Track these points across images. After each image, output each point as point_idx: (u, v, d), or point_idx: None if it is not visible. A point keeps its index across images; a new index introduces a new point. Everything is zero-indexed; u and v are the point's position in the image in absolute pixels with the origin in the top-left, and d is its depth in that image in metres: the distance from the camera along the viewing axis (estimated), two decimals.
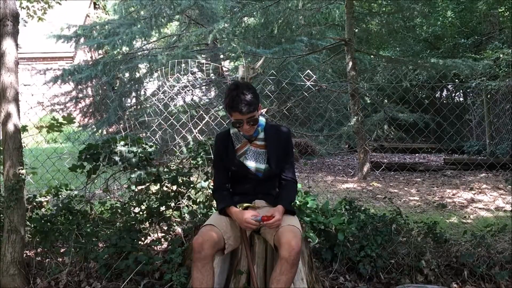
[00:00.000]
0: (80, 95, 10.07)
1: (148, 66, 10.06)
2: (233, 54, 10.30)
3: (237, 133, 2.64)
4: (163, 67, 6.55)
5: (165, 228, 3.57)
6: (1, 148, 3.31)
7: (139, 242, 3.36)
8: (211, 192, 2.94)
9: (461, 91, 13.48)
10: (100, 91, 10.25)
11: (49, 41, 10.70)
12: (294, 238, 2.38)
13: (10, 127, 3.21)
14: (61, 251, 3.58)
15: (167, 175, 3.53)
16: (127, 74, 10.53)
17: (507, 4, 11.20)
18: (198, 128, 4.39)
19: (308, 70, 4.79)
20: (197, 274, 2.42)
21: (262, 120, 2.64)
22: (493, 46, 9.59)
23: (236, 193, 2.73)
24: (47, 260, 3.45)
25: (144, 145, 3.61)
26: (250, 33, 10.57)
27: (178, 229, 3.46)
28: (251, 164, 2.61)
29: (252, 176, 2.64)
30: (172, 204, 3.53)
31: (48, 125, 3.67)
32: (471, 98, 12.36)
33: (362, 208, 3.62)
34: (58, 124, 3.64)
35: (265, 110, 5.08)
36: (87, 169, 3.56)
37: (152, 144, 3.71)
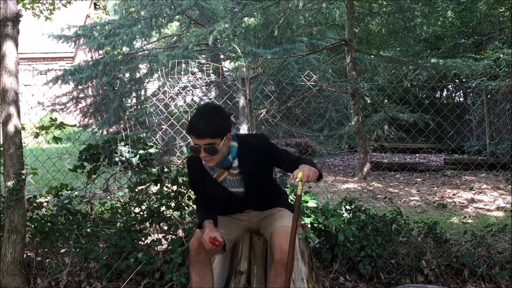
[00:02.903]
0: (81, 95, 10.06)
1: (149, 66, 10.06)
2: (233, 55, 10.29)
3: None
4: (164, 67, 6.55)
5: (165, 228, 3.58)
6: (2, 149, 3.32)
7: (140, 242, 3.37)
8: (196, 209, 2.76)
9: (461, 91, 13.47)
10: (100, 91, 10.25)
11: (49, 41, 10.71)
12: (286, 241, 2.28)
13: (11, 127, 3.21)
14: (62, 251, 3.58)
15: (167, 175, 3.53)
16: (127, 74, 10.53)
17: (507, 4, 11.20)
18: None
19: (309, 70, 4.80)
20: (196, 278, 2.38)
21: (233, 146, 2.38)
22: (493, 46, 9.59)
23: (221, 212, 2.58)
24: (47, 260, 3.45)
25: (144, 145, 3.61)
26: (250, 33, 10.57)
27: (179, 230, 3.47)
28: (233, 189, 2.47)
29: (238, 199, 2.50)
30: (173, 205, 3.53)
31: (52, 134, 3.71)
32: (471, 98, 12.35)
33: (363, 208, 3.62)
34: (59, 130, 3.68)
35: (265, 110, 5.09)
36: (87, 169, 3.57)
37: (152, 144, 3.72)
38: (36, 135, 3.79)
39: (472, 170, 8.31)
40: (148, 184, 3.59)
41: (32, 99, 4.45)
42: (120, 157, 3.49)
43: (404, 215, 3.64)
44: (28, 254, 3.51)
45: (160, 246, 3.49)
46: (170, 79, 4.83)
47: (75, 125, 3.87)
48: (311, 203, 3.26)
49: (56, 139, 3.77)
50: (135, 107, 10.57)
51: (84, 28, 10.57)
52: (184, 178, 3.54)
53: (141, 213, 3.50)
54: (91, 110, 10.38)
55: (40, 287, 3.25)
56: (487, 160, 8.50)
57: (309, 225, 3.19)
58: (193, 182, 2.55)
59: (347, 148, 11.59)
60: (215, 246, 2.25)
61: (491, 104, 9.89)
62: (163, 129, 5.63)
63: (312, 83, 4.83)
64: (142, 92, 10.44)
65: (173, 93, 5.41)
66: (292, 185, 3.39)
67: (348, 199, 3.71)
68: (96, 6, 21.05)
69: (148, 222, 3.52)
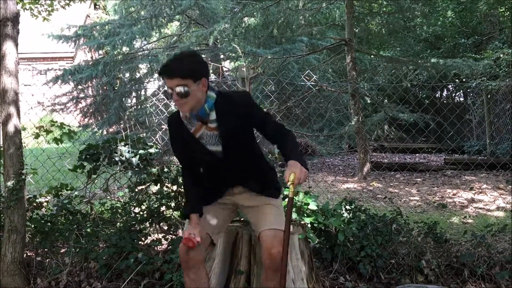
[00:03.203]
0: (81, 95, 10.06)
1: (149, 66, 10.06)
2: (233, 55, 10.29)
3: (187, 116, 2.27)
4: None
5: (165, 228, 3.58)
6: (2, 149, 3.32)
7: (140, 242, 3.37)
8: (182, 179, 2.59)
9: (461, 91, 13.48)
10: (100, 91, 10.25)
11: (49, 41, 10.71)
12: (274, 247, 2.19)
13: (10, 127, 3.21)
14: (62, 251, 3.58)
15: (167, 175, 3.53)
16: (127, 74, 10.53)
17: (507, 4, 11.19)
18: None
19: (309, 70, 4.80)
20: (190, 283, 2.30)
21: (211, 97, 2.23)
22: (493, 46, 9.59)
23: (208, 186, 2.43)
24: (47, 260, 3.45)
25: (144, 145, 3.61)
26: (250, 33, 10.57)
27: (179, 230, 3.47)
28: (211, 147, 2.29)
29: (216, 161, 2.32)
30: (173, 205, 3.53)
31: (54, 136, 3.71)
32: (472, 98, 12.35)
33: (363, 208, 3.62)
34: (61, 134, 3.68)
35: (265, 110, 5.09)
36: (87, 169, 3.57)
37: (152, 144, 3.72)
38: (37, 136, 3.80)
39: (472, 170, 8.31)
40: (148, 184, 3.59)
41: (32, 99, 4.45)
42: (120, 157, 3.49)
43: (404, 215, 3.64)
44: (28, 254, 3.51)
45: (160, 246, 3.49)
46: None
47: (75, 132, 3.86)
48: (312, 206, 3.26)
49: (57, 140, 3.77)
50: (135, 107, 10.57)
51: (84, 28, 10.58)
52: None
53: (141, 213, 3.50)
54: (91, 110, 10.38)
55: (40, 287, 3.25)
56: (487, 160, 8.50)
57: (309, 225, 3.19)
58: (173, 141, 2.37)
59: (347, 148, 11.59)
60: (189, 246, 2.20)
61: (491, 104, 9.89)
62: (163, 129, 5.63)
63: (312, 83, 4.83)
64: (142, 92, 10.44)
65: None
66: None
67: (348, 199, 3.71)
68: (96, 6, 21.04)
69: (148, 222, 3.52)
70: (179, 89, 2.09)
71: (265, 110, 2.47)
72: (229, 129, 2.24)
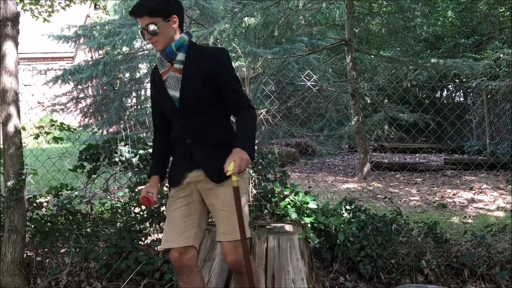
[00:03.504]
0: (81, 95, 10.07)
1: (149, 66, 10.07)
2: (233, 54, 10.30)
3: (160, 57, 2.22)
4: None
5: None
6: (2, 149, 3.32)
7: (140, 242, 3.37)
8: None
9: (461, 91, 13.48)
10: (100, 91, 10.25)
11: (49, 41, 10.71)
12: (228, 255, 2.12)
13: (11, 127, 3.21)
14: (62, 251, 3.58)
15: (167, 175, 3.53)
16: (127, 74, 10.54)
17: (507, 4, 11.20)
18: None
19: (309, 70, 4.80)
20: (184, 286, 2.21)
21: (183, 38, 2.17)
22: (493, 46, 9.60)
23: (173, 141, 2.30)
24: (47, 260, 3.45)
25: (144, 145, 3.61)
26: (250, 33, 10.57)
27: None
28: (170, 92, 2.18)
29: (174, 110, 2.19)
30: None
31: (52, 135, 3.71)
32: (472, 98, 12.36)
33: (363, 208, 3.62)
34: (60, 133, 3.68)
35: (265, 110, 5.08)
36: (87, 169, 3.57)
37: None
38: (37, 136, 3.80)
39: (472, 170, 8.31)
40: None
41: (32, 99, 4.45)
42: (120, 157, 3.49)
43: (404, 215, 3.64)
44: (28, 254, 3.51)
45: (160, 246, 3.49)
46: None
47: (74, 129, 3.85)
48: (312, 205, 3.26)
49: (57, 139, 3.77)
50: (135, 107, 10.58)
51: (84, 28, 10.59)
52: None
53: (141, 213, 3.50)
54: (91, 110, 10.39)
55: (40, 287, 3.25)
56: (487, 160, 8.50)
57: (309, 225, 3.19)
58: (150, 90, 2.34)
59: (347, 148, 11.60)
60: (148, 206, 2.17)
61: (491, 104, 9.89)
62: None
63: (312, 83, 4.83)
64: (142, 92, 10.45)
65: None
66: (292, 185, 3.39)
67: (348, 199, 3.71)
68: (96, 6, 21.05)
69: (148, 222, 3.52)
70: (148, 27, 2.08)
71: (243, 90, 2.32)
72: (191, 75, 2.14)
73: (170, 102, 2.18)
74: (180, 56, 2.16)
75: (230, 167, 2.00)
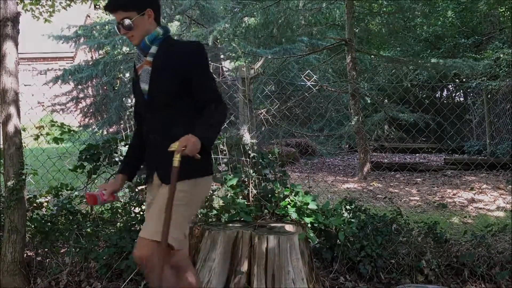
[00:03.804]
0: (81, 95, 10.07)
1: None
2: (233, 54, 10.30)
3: (138, 52, 2.21)
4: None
5: None
6: (2, 149, 3.32)
7: None
8: None
9: (461, 91, 13.48)
10: (100, 91, 10.25)
11: (49, 41, 10.71)
12: (138, 251, 2.00)
13: (11, 127, 3.21)
14: (62, 251, 3.58)
15: None
16: (127, 74, 10.54)
17: (507, 4, 11.20)
18: None
19: (309, 70, 4.80)
20: (153, 284, 2.05)
21: (157, 32, 2.14)
22: (493, 46, 9.60)
23: (144, 137, 2.24)
24: (47, 260, 3.45)
25: None
26: (250, 33, 10.59)
27: None
28: (142, 85, 2.15)
29: (143, 104, 2.17)
30: None
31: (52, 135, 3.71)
32: (472, 98, 12.35)
33: (363, 208, 3.62)
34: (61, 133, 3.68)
35: (265, 110, 5.09)
36: (87, 169, 3.57)
37: None
38: (37, 137, 3.80)
39: (472, 170, 8.31)
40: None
41: (32, 99, 4.45)
42: (120, 157, 3.49)
43: (404, 215, 3.64)
44: (28, 254, 3.51)
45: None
46: None
47: (74, 131, 3.84)
48: (312, 205, 3.26)
49: (57, 140, 3.77)
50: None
51: (84, 28, 10.59)
52: None
53: (141, 213, 3.50)
54: (91, 110, 10.39)
55: (40, 287, 3.25)
56: (487, 160, 8.50)
57: (309, 225, 3.19)
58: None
59: (347, 148, 11.61)
60: (90, 203, 2.13)
61: (491, 104, 9.89)
62: None
63: (312, 83, 4.83)
64: None
65: None
66: (292, 185, 3.39)
67: (348, 199, 3.71)
68: (96, 6, 21.03)
69: None
70: (123, 21, 2.06)
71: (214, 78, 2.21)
72: (160, 68, 2.10)
73: (142, 96, 2.16)
74: (153, 49, 2.13)
75: (174, 144, 1.93)
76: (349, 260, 3.32)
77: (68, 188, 3.65)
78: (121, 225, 3.48)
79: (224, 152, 3.58)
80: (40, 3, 5.88)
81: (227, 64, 12.25)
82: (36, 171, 3.68)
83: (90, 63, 10.15)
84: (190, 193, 2.06)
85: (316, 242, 3.24)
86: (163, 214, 1.90)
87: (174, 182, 1.91)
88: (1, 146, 3.34)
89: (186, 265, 2.18)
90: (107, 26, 10.41)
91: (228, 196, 3.29)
